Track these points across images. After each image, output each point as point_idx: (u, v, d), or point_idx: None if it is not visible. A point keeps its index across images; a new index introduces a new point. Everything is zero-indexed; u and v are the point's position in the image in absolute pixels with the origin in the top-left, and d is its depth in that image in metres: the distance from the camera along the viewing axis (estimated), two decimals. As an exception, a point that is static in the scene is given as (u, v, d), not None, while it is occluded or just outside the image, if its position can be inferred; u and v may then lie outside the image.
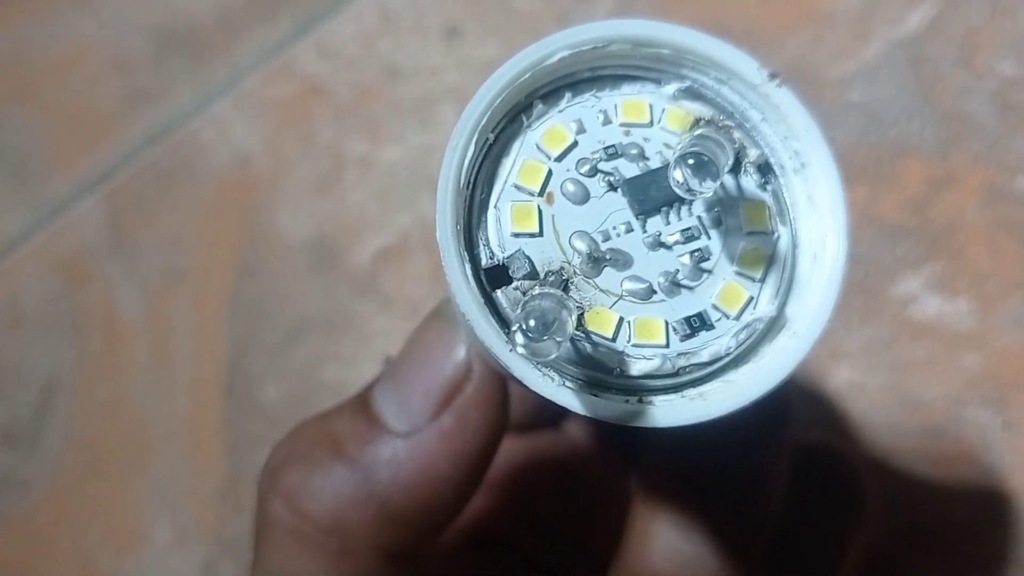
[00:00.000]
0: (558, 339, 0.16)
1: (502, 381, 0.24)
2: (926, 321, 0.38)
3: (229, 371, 0.44)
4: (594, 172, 0.19)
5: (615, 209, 0.18)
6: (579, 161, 0.19)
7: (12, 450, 0.44)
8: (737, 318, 0.18)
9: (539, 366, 0.17)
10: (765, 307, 0.19)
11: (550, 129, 0.19)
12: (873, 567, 0.34)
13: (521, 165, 0.18)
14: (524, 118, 0.19)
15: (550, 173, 0.18)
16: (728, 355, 0.18)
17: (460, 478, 0.23)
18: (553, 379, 0.18)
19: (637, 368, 0.18)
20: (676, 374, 0.18)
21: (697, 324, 0.18)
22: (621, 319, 0.18)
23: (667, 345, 0.18)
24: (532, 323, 0.16)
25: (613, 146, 0.19)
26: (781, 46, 0.43)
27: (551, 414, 0.33)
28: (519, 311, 0.16)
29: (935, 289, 0.38)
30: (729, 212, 0.19)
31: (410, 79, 0.46)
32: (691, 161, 0.16)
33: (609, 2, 0.45)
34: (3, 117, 0.49)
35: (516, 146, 0.19)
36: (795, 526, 0.25)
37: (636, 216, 0.18)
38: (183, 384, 0.44)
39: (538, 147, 0.19)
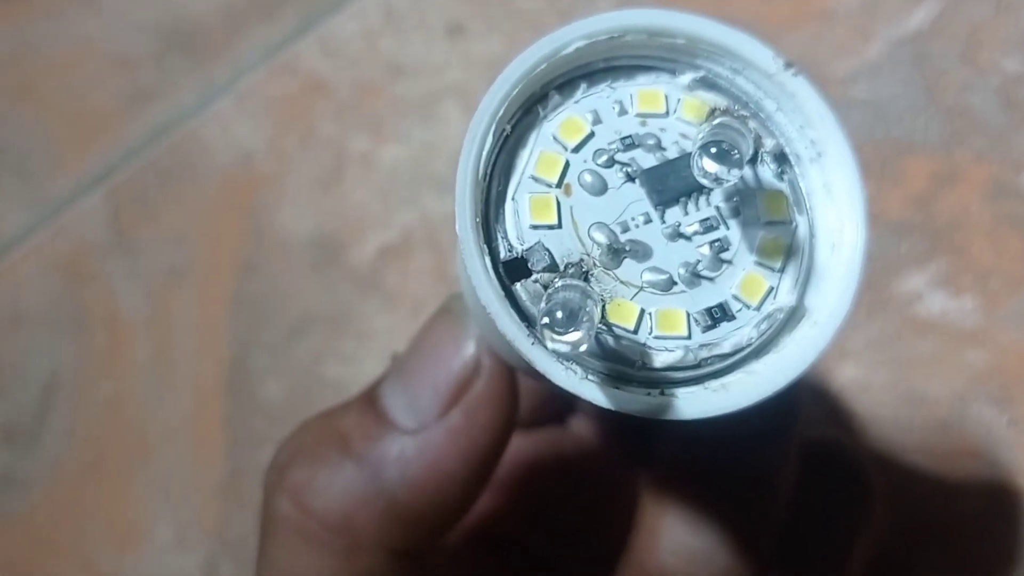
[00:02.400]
0: (588, 330, 0.16)
1: (511, 377, 0.23)
2: (930, 318, 0.38)
3: (231, 368, 0.43)
4: (611, 163, 0.18)
5: (633, 200, 0.18)
6: (596, 152, 0.18)
7: (13, 448, 0.44)
8: (758, 308, 0.18)
9: (562, 360, 0.17)
10: (785, 297, 0.18)
11: (566, 120, 0.18)
12: (878, 562, 0.34)
13: (538, 156, 0.18)
14: (540, 109, 0.19)
15: (567, 164, 0.18)
16: (750, 346, 0.18)
17: (469, 476, 0.23)
18: (576, 372, 0.17)
19: (659, 360, 0.18)
20: (698, 366, 0.18)
21: (718, 315, 0.18)
22: (642, 311, 0.18)
23: (689, 336, 0.18)
24: (559, 315, 0.16)
25: (630, 136, 0.18)
26: (783, 43, 0.42)
27: (557, 410, 0.33)
28: (543, 304, 0.16)
29: (940, 286, 0.38)
30: (747, 202, 0.18)
31: (413, 77, 0.46)
32: (713, 150, 0.16)
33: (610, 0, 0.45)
34: (5, 115, 0.49)
35: (532, 137, 0.18)
36: (802, 522, 0.25)
37: (655, 207, 0.18)
38: (185, 381, 0.44)
39: (555, 138, 0.18)
